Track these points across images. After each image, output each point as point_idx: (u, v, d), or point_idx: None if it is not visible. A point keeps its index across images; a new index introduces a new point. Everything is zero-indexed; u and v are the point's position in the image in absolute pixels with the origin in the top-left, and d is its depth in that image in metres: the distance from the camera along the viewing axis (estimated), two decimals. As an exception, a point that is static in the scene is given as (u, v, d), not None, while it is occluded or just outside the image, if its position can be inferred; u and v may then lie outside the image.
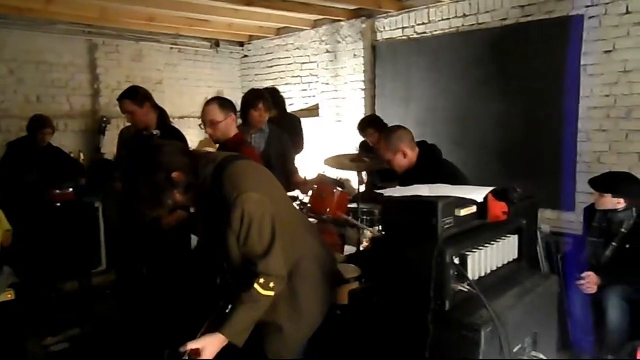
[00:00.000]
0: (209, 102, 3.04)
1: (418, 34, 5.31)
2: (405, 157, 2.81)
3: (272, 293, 1.81)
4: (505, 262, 1.95)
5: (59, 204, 3.83)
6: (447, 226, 1.72)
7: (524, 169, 4.56)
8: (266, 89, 3.92)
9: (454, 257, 1.66)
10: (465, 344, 1.57)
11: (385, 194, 1.81)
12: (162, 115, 3.34)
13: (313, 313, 2.03)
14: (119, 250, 4.56)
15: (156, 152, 1.84)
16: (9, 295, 3.80)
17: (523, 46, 4.51)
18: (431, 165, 2.79)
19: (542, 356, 1.79)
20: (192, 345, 1.71)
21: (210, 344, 1.75)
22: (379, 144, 2.95)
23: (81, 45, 5.90)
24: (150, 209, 1.83)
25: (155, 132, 3.22)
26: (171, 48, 6.62)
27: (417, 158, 2.83)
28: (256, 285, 1.78)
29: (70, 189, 3.92)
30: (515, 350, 1.73)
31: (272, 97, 3.72)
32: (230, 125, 2.97)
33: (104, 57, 6.02)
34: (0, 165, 4.80)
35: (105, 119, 3.57)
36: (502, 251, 1.92)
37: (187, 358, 1.67)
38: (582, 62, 4.17)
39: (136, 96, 3.23)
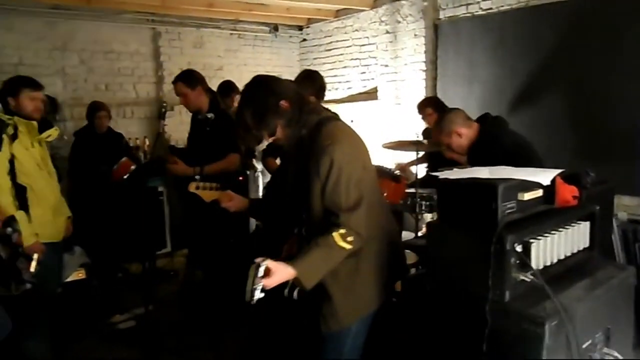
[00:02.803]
0: None
1: (483, 10, 5.04)
2: (461, 136, 2.68)
3: (348, 246, 1.77)
4: (575, 251, 1.79)
5: (125, 177, 3.95)
6: (508, 211, 1.59)
7: (601, 153, 4.23)
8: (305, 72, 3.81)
9: (515, 244, 1.53)
10: (527, 338, 1.45)
11: (441, 176, 1.70)
12: (214, 98, 3.35)
13: (369, 294, 1.96)
14: (183, 233, 4.70)
15: (271, 78, 1.95)
16: (80, 274, 4.02)
17: (605, 19, 4.15)
18: (494, 138, 2.63)
19: (615, 354, 1.63)
20: (268, 263, 1.68)
21: (281, 271, 1.70)
22: (434, 126, 2.82)
23: (145, 34, 6.08)
24: (253, 128, 1.87)
25: (210, 115, 3.25)
26: (231, 34, 6.69)
27: (479, 133, 2.68)
28: (334, 233, 1.75)
29: (124, 158, 4.05)
30: (584, 346, 1.59)
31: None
32: None
33: (167, 44, 6.17)
34: (71, 154, 5.05)
35: (164, 104, 3.63)
36: (572, 239, 1.76)
37: (259, 266, 1.64)
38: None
39: (188, 79, 3.28)
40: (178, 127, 5.88)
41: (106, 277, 4.52)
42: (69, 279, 3.85)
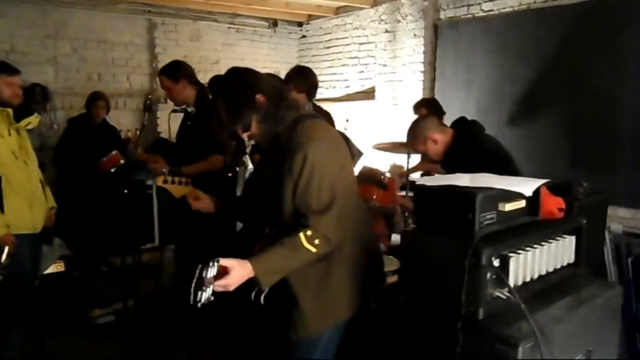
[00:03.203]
0: None
1: (484, 11, 4.94)
2: (436, 142, 2.63)
3: (313, 249, 1.68)
4: (558, 267, 1.69)
5: (112, 170, 3.90)
6: (487, 222, 1.49)
7: (599, 162, 4.13)
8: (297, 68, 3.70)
9: (492, 258, 1.43)
10: (500, 359, 1.35)
11: (418, 182, 1.61)
12: (202, 92, 3.25)
13: (341, 301, 1.85)
14: (171, 228, 4.61)
15: (247, 71, 1.88)
16: (59, 267, 3.92)
17: (607, 24, 4.05)
18: (468, 142, 2.58)
19: (596, 378, 1.53)
20: (224, 261, 1.59)
21: (238, 268, 1.60)
22: (408, 134, 2.76)
23: (141, 25, 5.99)
24: (227, 121, 1.81)
25: (190, 109, 3.15)
26: (229, 27, 6.59)
27: (454, 138, 2.61)
28: (301, 234, 1.67)
29: (114, 152, 4.00)
30: (562, 369, 1.49)
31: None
32: None
33: (162, 36, 6.08)
34: (61, 141, 4.96)
35: (150, 97, 3.56)
36: (555, 254, 1.66)
37: (216, 263, 1.55)
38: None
39: (172, 71, 3.19)
40: (175, 119, 5.78)
41: (89, 270, 4.44)
42: (47, 271, 3.75)
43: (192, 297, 1.51)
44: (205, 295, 1.51)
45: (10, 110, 2.92)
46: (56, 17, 5.48)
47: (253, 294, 1.73)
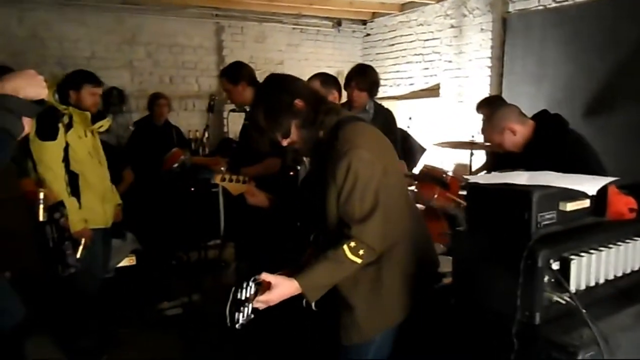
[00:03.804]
0: (311, 79, 2.94)
1: (557, 2, 4.69)
2: (514, 133, 2.46)
3: (359, 260, 1.67)
4: (628, 272, 1.56)
5: (175, 166, 4.04)
6: (545, 222, 1.41)
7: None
8: (358, 66, 3.67)
9: (550, 260, 1.35)
10: (557, 367, 1.27)
11: (471, 180, 1.54)
12: (260, 93, 3.31)
13: (393, 305, 1.83)
14: (235, 224, 4.74)
15: (284, 77, 1.88)
16: (131, 261, 4.15)
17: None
18: (553, 136, 2.41)
19: (669, 394, 1.41)
20: (266, 277, 1.61)
21: (282, 285, 1.62)
22: (485, 123, 2.62)
23: (209, 28, 6.20)
24: (266, 128, 1.79)
25: (247, 107, 3.21)
26: (293, 28, 6.67)
27: (535, 131, 2.46)
28: (345, 246, 1.66)
29: (175, 149, 4.12)
30: (630, 382, 1.39)
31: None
32: None
33: (229, 38, 6.26)
34: (129, 142, 5.22)
35: (214, 97, 3.67)
36: (625, 257, 1.54)
37: (253, 283, 1.56)
38: None
39: (231, 74, 3.28)
40: (240, 119, 5.94)
41: (159, 264, 4.65)
42: (120, 265, 3.98)
43: (228, 319, 1.52)
44: (243, 315, 1.52)
45: (89, 114, 3.13)
46: (131, 24, 5.80)
47: (304, 301, 1.72)
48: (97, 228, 3.19)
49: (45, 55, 5.34)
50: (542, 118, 2.55)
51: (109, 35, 5.71)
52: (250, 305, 1.54)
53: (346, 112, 1.95)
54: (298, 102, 1.77)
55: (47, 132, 2.94)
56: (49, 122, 2.96)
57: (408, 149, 4.37)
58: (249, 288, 1.55)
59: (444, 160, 5.20)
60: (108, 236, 3.46)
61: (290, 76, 1.89)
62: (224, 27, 6.23)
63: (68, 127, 3.06)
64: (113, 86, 5.63)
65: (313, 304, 1.72)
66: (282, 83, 1.84)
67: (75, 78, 3.16)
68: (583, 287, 1.43)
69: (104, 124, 3.30)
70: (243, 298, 1.53)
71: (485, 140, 2.77)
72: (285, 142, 1.82)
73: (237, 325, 1.53)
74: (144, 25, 5.85)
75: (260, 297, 1.58)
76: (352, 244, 1.65)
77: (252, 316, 1.55)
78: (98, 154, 3.29)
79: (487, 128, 2.59)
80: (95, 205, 3.18)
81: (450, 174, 3.63)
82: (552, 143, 2.39)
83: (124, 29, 5.78)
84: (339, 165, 1.68)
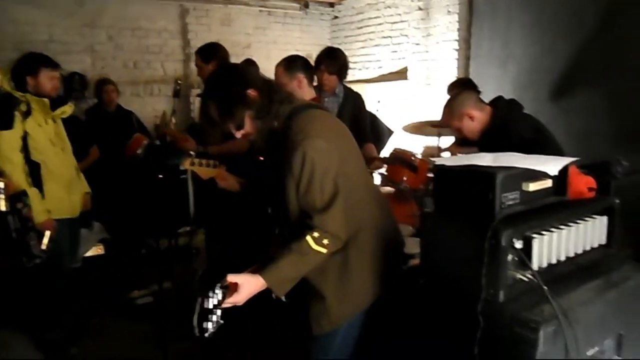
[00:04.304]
0: (277, 65, 2.91)
1: (521, -16, 4.74)
2: (472, 119, 2.51)
3: (324, 250, 1.66)
4: (588, 249, 1.62)
5: (139, 152, 3.95)
6: (509, 202, 1.45)
7: (643, 140, 3.93)
8: (327, 49, 3.66)
9: (513, 239, 1.39)
10: (521, 343, 1.31)
11: (437, 162, 1.57)
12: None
13: (362, 290, 1.84)
14: (206, 210, 4.70)
15: (236, 66, 1.88)
16: (99, 250, 4.08)
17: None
18: (508, 122, 2.46)
19: (625, 363, 1.47)
20: (231, 278, 1.59)
21: (248, 283, 1.60)
22: (444, 108, 2.66)
23: (173, 11, 6.03)
24: (219, 120, 1.74)
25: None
26: (260, 11, 6.57)
27: (492, 117, 2.51)
28: (308, 237, 1.64)
29: (136, 134, 4.04)
30: (590, 353, 1.45)
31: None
32: (296, 89, 2.82)
33: (194, 21, 6.11)
34: (81, 132, 5.03)
35: (179, 82, 3.61)
36: (584, 235, 1.59)
37: (220, 289, 1.54)
38: None
39: (204, 52, 3.32)
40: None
41: (128, 253, 4.58)
42: (87, 254, 3.91)
43: (196, 330, 1.49)
44: (212, 324, 1.50)
45: (47, 101, 3.02)
46: (91, 6, 5.59)
47: (274, 294, 1.70)
48: (63, 218, 3.12)
49: (0, 40, 5.13)
50: (498, 104, 2.60)
51: (68, 19, 5.50)
52: (219, 311, 1.53)
53: (301, 100, 1.93)
54: (251, 92, 1.72)
55: (1, 120, 2.83)
56: (3, 110, 2.85)
57: (377, 132, 4.38)
58: (215, 295, 1.53)
59: (412, 143, 5.24)
60: (76, 226, 3.38)
61: (241, 65, 1.87)
62: (188, 10, 6.08)
63: (26, 114, 2.95)
64: (74, 71, 5.43)
65: (283, 297, 1.71)
66: (233, 73, 1.81)
67: (30, 62, 3.05)
68: (545, 264, 1.48)
69: (66, 109, 3.20)
70: (211, 306, 1.51)
71: (444, 126, 2.81)
72: (239, 134, 1.78)
73: (206, 335, 1.50)
74: (104, 8, 5.64)
75: (228, 300, 1.57)
76: (316, 234, 1.64)
77: (222, 322, 1.54)
78: (61, 141, 3.19)
79: (446, 114, 2.62)
80: (60, 195, 3.10)
81: (418, 156, 3.67)
82: (508, 128, 2.44)
83: (83, 12, 5.56)
84: (294, 156, 1.65)
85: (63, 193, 3.14)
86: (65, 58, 5.18)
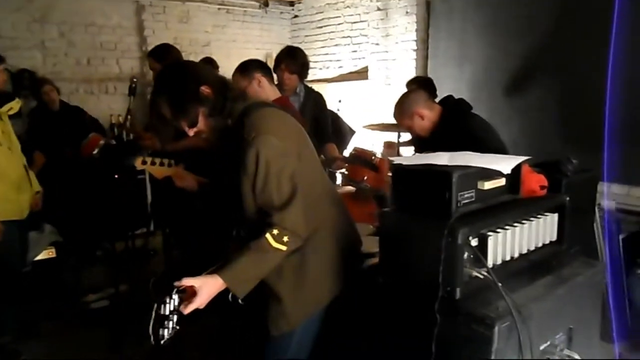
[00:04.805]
0: (232, 74, 2.86)
1: (477, -14, 4.84)
2: (423, 118, 2.58)
3: (283, 247, 1.63)
4: (540, 245, 1.67)
5: (95, 152, 3.82)
6: (465, 201, 1.47)
7: (593, 139, 4.08)
8: (287, 48, 3.64)
9: (469, 237, 1.41)
10: (476, 339, 1.34)
11: (395, 162, 1.58)
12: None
13: (319, 289, 1.83)
14: (164, 211, 4.60)
15: (188, 63, 1.83)
16: (50, 253, 3.92)
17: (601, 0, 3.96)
18: (456, 121, 2.53)
19: (576, 355, 1.52)
20: (187, 282, 1.54)
21: (207, 285, 1.56)
22: (395, 107, 2.71)
23: (128, 7, 5.87)
24: (171, 117, 1.69)
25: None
26: (218, 8, 6.47)
27: (441, 116, 2.57)
28: (268, 235, 1.61)
29: (92, 134, 3.91)
30: (542, 348, 1.49)
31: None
32: (258, 89, 2.78)
33: (151, 18, 5.96)
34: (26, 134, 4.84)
35: (134, 80, 3.51)
36: (536, 232, 1.64)
37: (176, 294, 1.50)
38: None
39: (157, 54, 3.22)
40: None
41: (81, 256, 4.43)
42: (38, 258, 3.75)
43: (152, 338, 1.44)
44: (167, 330, 1.46)
45: None
46: (42, 1, 5.37)
47: (230, 295, 1.66)
48: (11, 220, 2.98)
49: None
50: (447, 103, 2.67)
51: (16, 13, 5.25)
52: (175, 317, 1.48)
53: (254, 99, 1.90)
54: (205, 89, 1.69)
55: None
56: None
57: (338, 131, 4.40)
58: (172, 301, 1.48)
59: (373, 142, 5.29)
60: (25, 228, 3.23)
61: (194, 62, 1.83)
62: (144, 6, 5.92)
63: (-33, 112, 2.82)
64: (24, 68, 5.21)
65: (240, 300, 1.67)
66: (185, 69, 1.76)
67: None
68: (499, 261, 1.51)
69: (14, 105, 3.06)
70: (167, 312, 1.47)
71: (397, 124, 2.86)
72: (192, 132, 1.73)
73: (162, 342, 1.46)
74: (55, 3, 5.43)
75: (190, 305, 1.52)
76: (275, 231, 1.62)
77: (178, 328, 1.49)
78: (8, 139, 3.04)
79: (398, 113, 2.67)
80: (8, 196, 2.96)
81: (379, 155, 3.70)
82: (455, 127, 2.51)
83: (33, 7, 5.33)
84: (248, 154, 1.62)
85: (11, 193, 3.00)
86: (14, 54, 4.98)
